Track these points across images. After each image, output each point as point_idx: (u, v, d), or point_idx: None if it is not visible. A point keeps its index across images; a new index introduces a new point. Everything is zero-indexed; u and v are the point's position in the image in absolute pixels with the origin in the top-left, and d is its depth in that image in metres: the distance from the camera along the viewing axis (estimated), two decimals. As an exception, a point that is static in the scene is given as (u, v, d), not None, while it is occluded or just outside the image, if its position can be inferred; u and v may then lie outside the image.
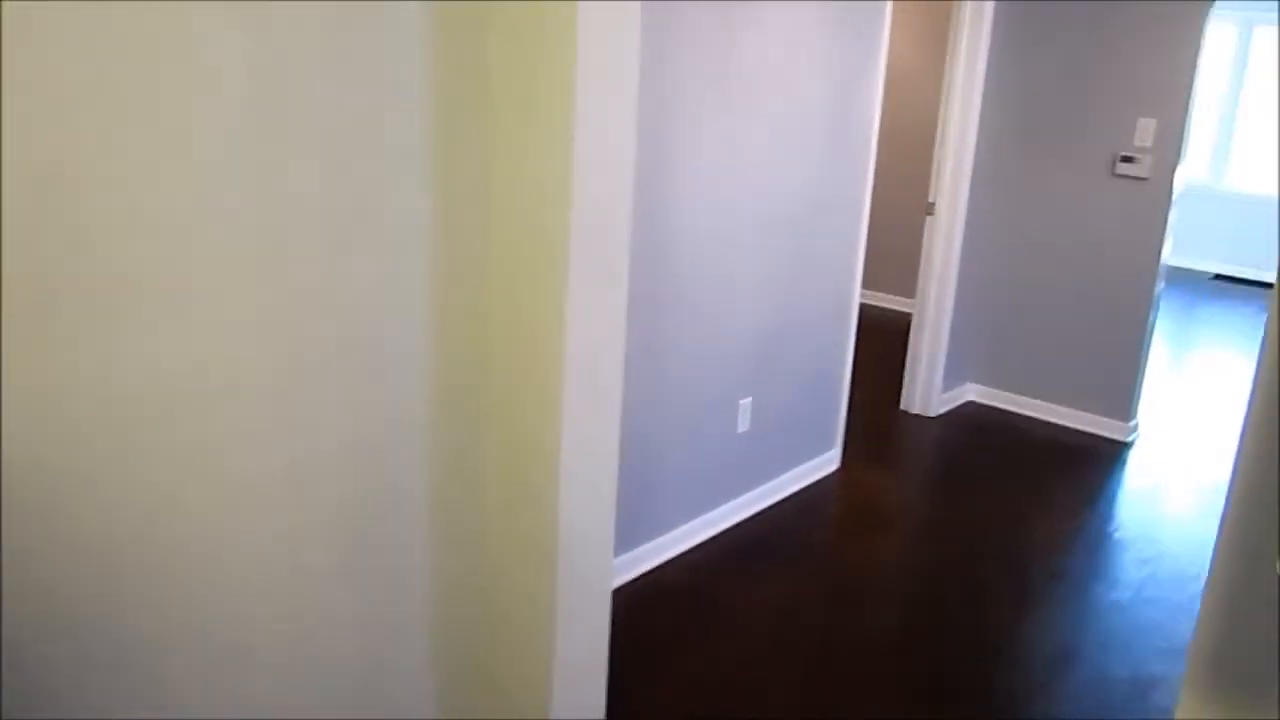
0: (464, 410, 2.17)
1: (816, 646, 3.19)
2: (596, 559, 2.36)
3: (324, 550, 1.97)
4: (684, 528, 3.67)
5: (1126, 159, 4.78)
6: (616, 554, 3.37)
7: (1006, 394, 5.33)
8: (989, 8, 4.67)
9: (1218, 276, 8.71)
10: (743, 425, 3.82)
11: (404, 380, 2.02)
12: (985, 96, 4.83)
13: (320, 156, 1.76)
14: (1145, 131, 4.72)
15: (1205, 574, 3.82)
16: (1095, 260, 4.97)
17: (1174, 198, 4.73)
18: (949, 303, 5.07)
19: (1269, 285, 8.56)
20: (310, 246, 1.78)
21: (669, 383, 3.43)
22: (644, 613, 3.31)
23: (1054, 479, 4.55)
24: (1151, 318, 4.91)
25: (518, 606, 2.33)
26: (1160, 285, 4.89)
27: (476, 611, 2.37)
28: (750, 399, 3.82)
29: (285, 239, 1.74)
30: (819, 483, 4.33)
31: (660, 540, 3.58)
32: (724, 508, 3.84)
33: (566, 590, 2.27)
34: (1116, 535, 4.09)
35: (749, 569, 3.62)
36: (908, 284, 6.69)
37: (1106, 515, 4.30)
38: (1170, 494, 4.50)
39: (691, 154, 3.25)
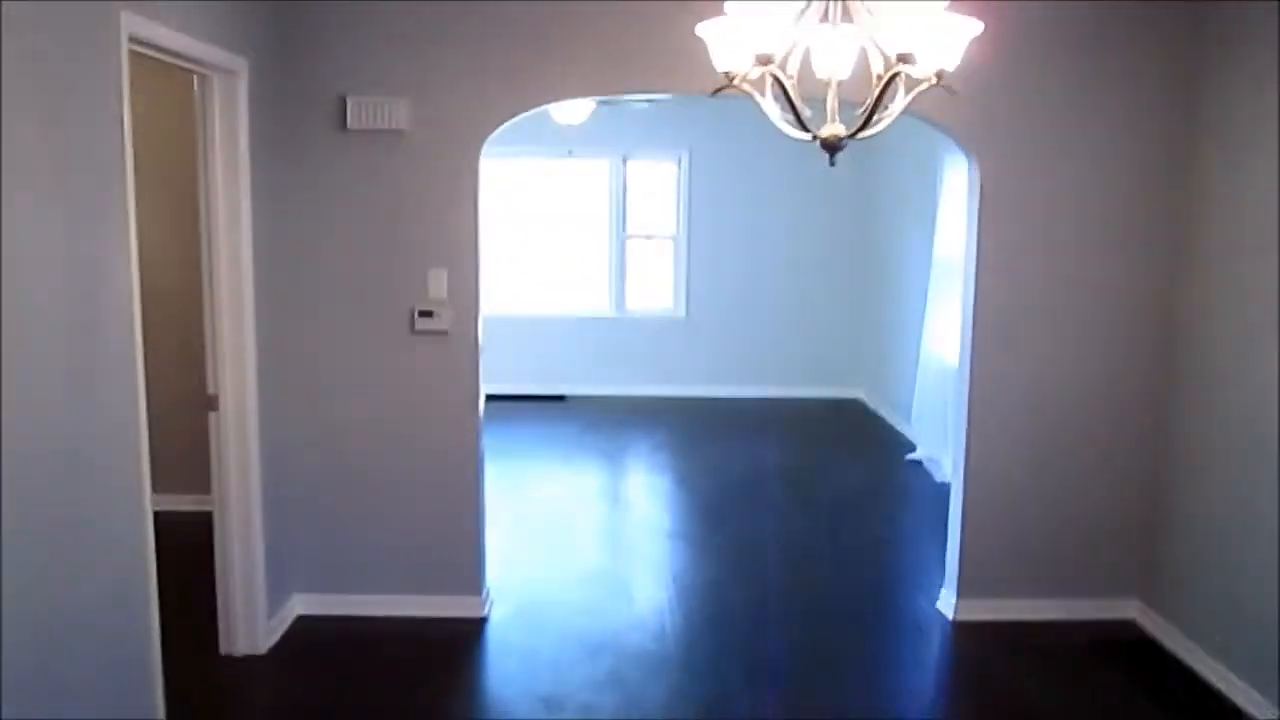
0: None
1: None
2: None
3: None
4: None
5: (425, 314, 4.32)
6: None
7: (341, 596, 4.48)
8: (245, 175, 3.87)
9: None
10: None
11: None
12: (257, 272, 3.99)
13: None
14: (439, 283, 4.30)
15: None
16: (411, 426, 4.41)
17: (480, 347, 4.39)
18: (256, 509, 4.09)
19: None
20: None
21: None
22: None
23: (421, 707, 3.82)
24: (480, 477, 4.50)
25: None
26: (482, 441, 4.50)
27: None
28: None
29: None
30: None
31: None
32: None
33: None
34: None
35: None
36: (199, 478, 5.40)
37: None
38: (544, 673, 4.07)
39: None
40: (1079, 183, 4.32)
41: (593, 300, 9.54)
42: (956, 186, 6.76)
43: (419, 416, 4.40)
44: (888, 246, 8.83)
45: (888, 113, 2.34)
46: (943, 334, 6.89)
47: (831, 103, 2.35)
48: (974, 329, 4.40)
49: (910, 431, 7.66)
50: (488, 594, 4.60)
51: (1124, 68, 4.25)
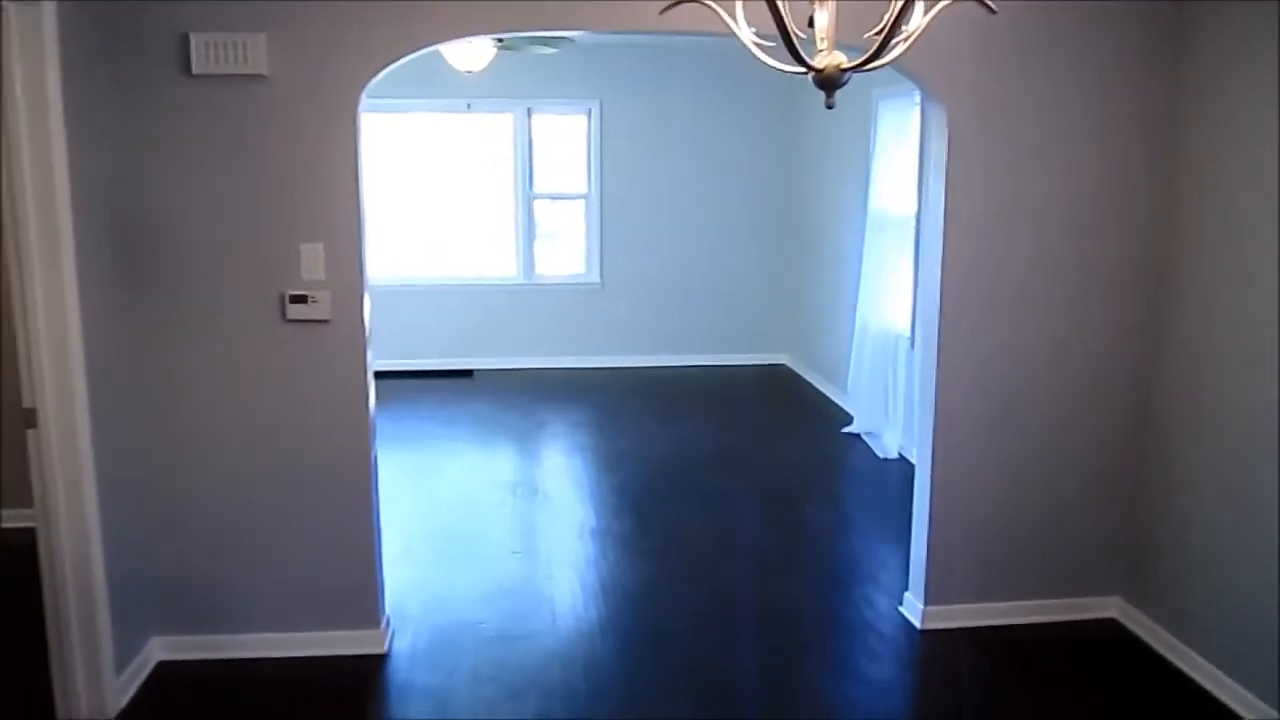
0: None
1: None
2: None
3: None
4: None
5: (298, 299, 3.59)
6: None
7: (211, 636, 3.76)
8: (57, 132, 3.07)
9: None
10: None
11: None
12: (81, 257, 3.19)
13: None
14: (314, 261, 3.57)
15: None
16: (287, 433, 3.68)
17: (369, 335, 3.69)
18: (94, 540, 3.33)
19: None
20: None
21: None
22: None
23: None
24: (374, 488, 3.81)
25: None
26: (374, 447, 3.81)
27: None
28: None
29: None
30: None
31: None
32: None
33: None
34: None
35: None
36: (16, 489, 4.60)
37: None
38: None
39: None
40: (1057, 138, 3.77)
41: (499, 266, 8.80)
42: (891, 135, 6.23)
43: (297, 421, 3.68)
44: (816, 201, 8.29)
45: (903, 35, 1.73)
46: (881, 296, 6.38)
47: (828, 25, 1.72)
48: (941, 304, 3.85)
49: (845, 400, 7.16)
50: (388, 623, 3.94)
51: (1105, 15, 3.70)
